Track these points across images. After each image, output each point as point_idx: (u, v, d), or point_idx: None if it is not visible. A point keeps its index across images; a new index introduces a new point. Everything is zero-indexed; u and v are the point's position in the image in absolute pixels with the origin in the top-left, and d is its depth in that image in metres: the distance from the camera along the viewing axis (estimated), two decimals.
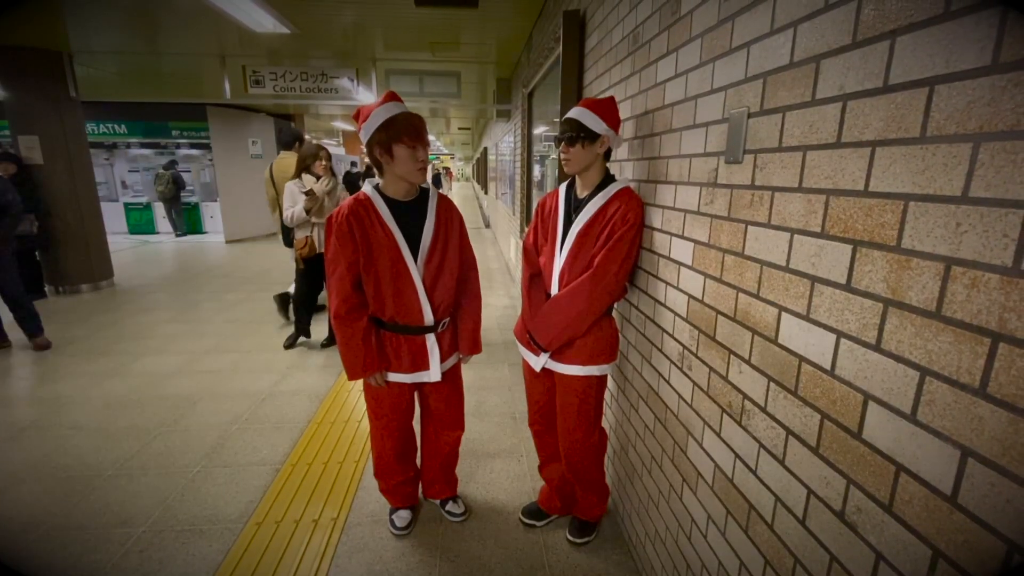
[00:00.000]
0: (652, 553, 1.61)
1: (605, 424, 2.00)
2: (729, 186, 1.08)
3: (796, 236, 0.86)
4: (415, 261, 1.61)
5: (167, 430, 2.61)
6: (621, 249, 1.50)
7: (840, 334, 0.76)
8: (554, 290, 1.64)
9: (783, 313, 0.90)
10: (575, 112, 1.53)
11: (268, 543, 1.83)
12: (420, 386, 1.84)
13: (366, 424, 2.60)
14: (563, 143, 1.55)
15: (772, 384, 0.94)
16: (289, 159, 3.88)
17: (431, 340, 1.71)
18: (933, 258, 0.62)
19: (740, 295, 1.05)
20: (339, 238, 1.56)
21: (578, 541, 1.86)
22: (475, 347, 1.83)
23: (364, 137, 1.51)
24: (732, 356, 1.08)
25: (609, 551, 1.84)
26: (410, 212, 1.63)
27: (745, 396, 1.03)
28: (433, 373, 1.73)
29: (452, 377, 1.85)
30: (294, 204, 3.35)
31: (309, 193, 3.27)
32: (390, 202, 1.60)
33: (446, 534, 1.92)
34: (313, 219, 3.42)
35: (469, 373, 3.19)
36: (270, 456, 2.38)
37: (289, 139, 4.09)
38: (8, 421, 2.74)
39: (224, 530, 1.90)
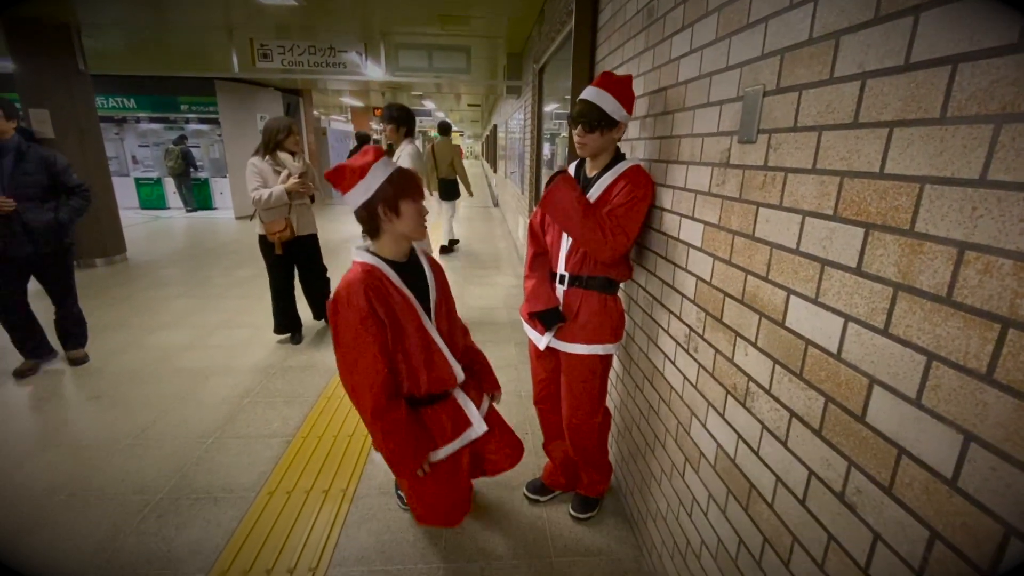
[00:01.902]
0: (653, 529, 1.65)
1: (609, 403, 2.02)
2: (742, 166, 1.07)
3: (808, 218, 0.85)
4: (430, 320, 1.49)
5: (181, 403, 2.68)
6: (618, 212, 1.46)
7: (848, 318, 0.76)
8: (561, 268, 1.63)
9: (791, 296, 0.90)
10: (593, 95, 1.46)
11: (280, 511, 1.89)
12: (471, 444, 1.64)
13: None
14: (579, 126, 1.49)
15: (778, 367, 0.94)
16: (446, 144, 5.34)
17: (460, 395, 1.60)
18: (946, 242, 0.61)
19: (749, 277, 1.04)
20: (363, 322, 1.34)
21: (580, 516, 1.90)
22: (497, 383, 1.76)
23: (362, 197, 1.34)
24: (739, 338, 1.08)
25: (611, 527, 1.88)
26: (410, 271, 1.49)
27: (750, 378, 1.04)
28: (478, 426, 1.60)
29: (494, 419, 1.74)
30: (264, 183, 3.03)
31: (302, 176, 3.09)
32: (393, 266, 1.45)
33: None
34: (295, 201, 3.16)
35: None
36: (281, 429, 2.44)
37: (447, 125, 5.38)
38: (29, 392, 2.82)
39: (238, 498, 1.96)
